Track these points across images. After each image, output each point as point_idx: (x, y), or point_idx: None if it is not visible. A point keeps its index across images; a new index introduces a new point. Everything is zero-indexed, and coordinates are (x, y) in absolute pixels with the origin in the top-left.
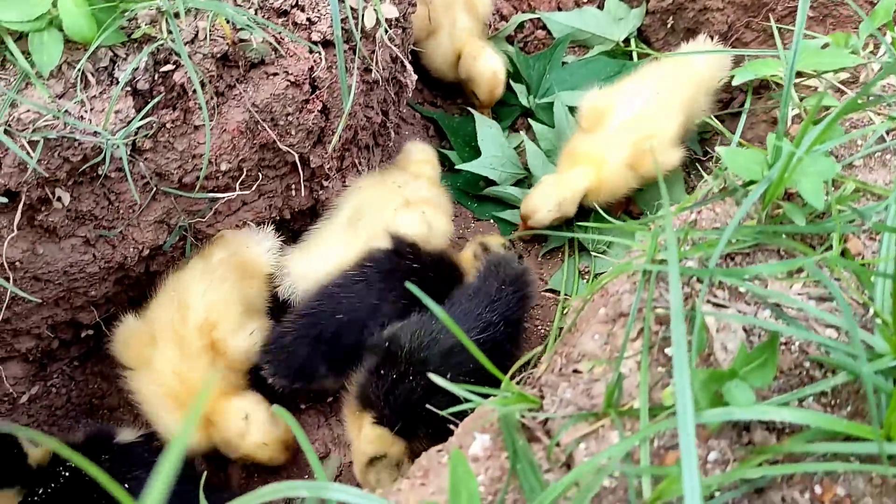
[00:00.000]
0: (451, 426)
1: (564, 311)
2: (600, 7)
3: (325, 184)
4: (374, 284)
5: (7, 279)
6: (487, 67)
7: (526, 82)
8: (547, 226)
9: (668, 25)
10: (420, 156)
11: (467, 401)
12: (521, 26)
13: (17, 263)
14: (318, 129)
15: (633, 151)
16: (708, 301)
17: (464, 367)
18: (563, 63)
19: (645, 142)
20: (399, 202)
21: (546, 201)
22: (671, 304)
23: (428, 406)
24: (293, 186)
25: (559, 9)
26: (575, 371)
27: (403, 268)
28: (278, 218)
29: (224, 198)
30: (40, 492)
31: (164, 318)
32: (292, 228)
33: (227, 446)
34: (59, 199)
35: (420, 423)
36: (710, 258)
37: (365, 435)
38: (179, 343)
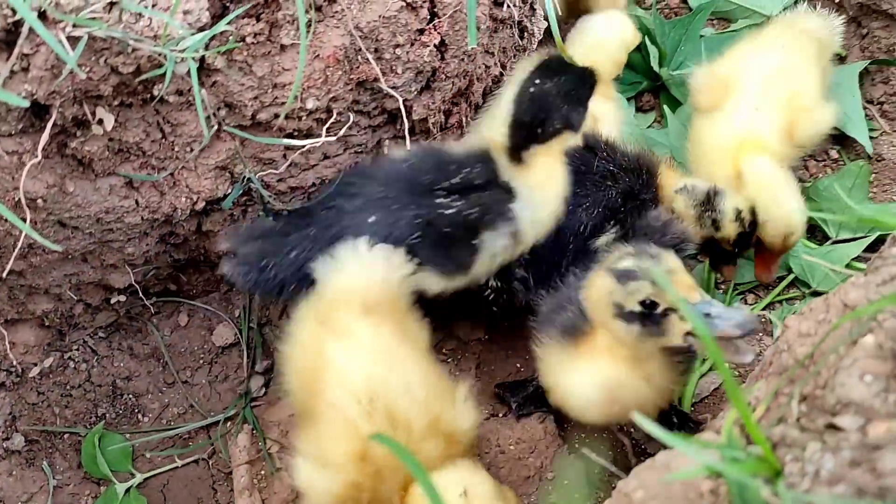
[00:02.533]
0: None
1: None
2: None
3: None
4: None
5: (24, 219)
6: None
7: (660, 49)
8: None
9: (836, 1)
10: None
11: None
12: None
13: (40, 201)
14: (429, 71)
15: (787, 113)
16: None
17: None
18: (701, 36)
19: (798, 98)
20: None
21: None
22: None
23: None
24: (385, 142)
25: None
26: (831, 427)
27: (599, 171)
28: None
29: (309, 144)
30: None
31: None
32: None
33: None
34: (99, 121)
35: None
36: None
37: None
38: None
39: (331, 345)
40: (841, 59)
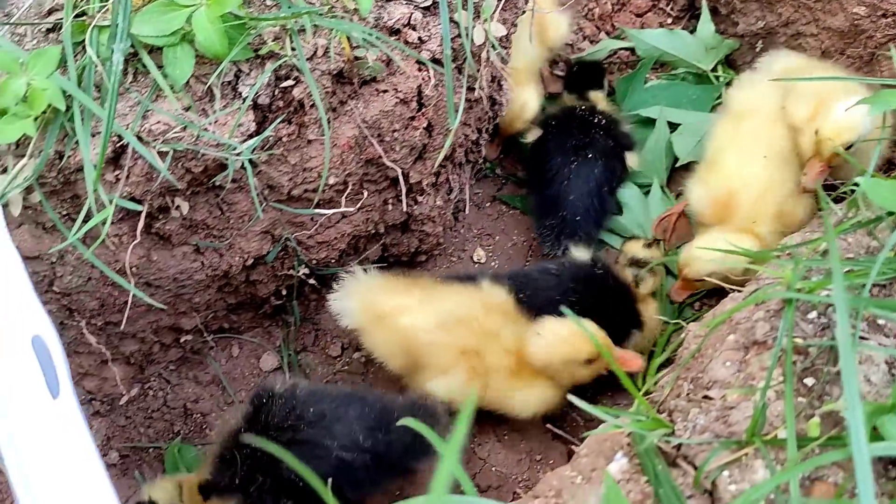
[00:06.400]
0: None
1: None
2: (692, 31)
3: (420, 199)
4: None
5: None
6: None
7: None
8: None
9: (757, 50)
10: None
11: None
12: None
13: (133, 269)
14: (420, 146)
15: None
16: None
17: None
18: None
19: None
20: None
21: None
22: (839, 336)
23: None
24: (390, 201)
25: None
26: (706, 398)
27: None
28: (373, 231)
29: (331, 213)
30: None
31: None
32: (384, 243)
33: None
34: (177, 207)
35: None
36: (859, 290)
37: None
38: None
39: None
40: None
